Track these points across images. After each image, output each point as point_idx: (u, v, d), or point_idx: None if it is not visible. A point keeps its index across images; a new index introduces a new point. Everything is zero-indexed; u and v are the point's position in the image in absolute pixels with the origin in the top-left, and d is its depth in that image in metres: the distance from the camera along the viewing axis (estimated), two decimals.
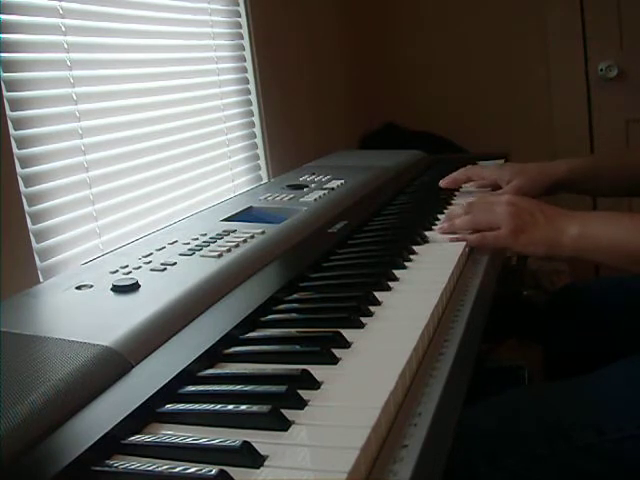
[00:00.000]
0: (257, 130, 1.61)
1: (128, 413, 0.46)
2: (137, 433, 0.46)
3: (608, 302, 1.09)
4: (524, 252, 0.87)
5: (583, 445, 0.70)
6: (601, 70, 2.09)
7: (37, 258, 0.92)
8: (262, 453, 0.41)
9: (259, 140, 1.62)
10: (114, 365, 0.52)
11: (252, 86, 1.59)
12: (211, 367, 0.56)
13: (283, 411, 0.45)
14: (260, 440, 0.42)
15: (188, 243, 0.82)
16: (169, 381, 0.50)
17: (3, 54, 0.89)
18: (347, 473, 0.38)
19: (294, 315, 0.67)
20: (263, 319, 0.65)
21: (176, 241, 0.83)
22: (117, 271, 0.72)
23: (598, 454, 0.69)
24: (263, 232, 0.86)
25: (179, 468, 0.40)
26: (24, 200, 0.91)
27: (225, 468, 0.39)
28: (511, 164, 1.16)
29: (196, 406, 0.48)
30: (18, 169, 0.90)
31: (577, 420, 0.72)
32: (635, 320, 1.01)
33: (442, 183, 1.18)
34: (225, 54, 1.50)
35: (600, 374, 0.79)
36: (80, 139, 1.02)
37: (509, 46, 2.17)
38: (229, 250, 0.78)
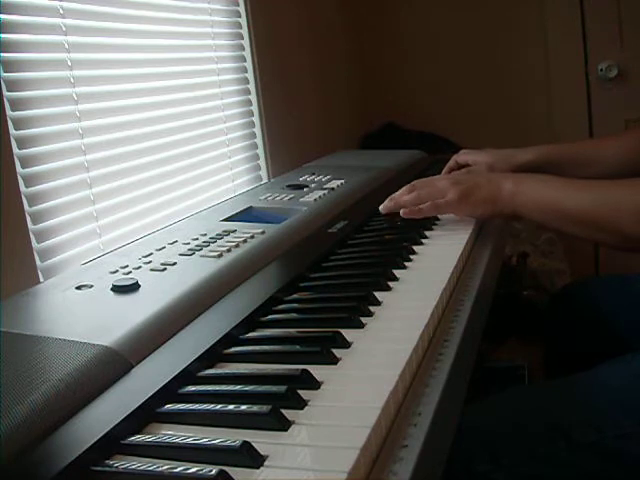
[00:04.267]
0: (257, 130, 1.61)
1: (128, 413, 0.46)
2: (137, 433, 0.46)
3: (608, 302, 1.09)
4: (474, 214, 0.92)
5: (583, 443, 0.70)
6: (601, 70, 2.09)
7: (37, 258, 0.92)
8: (262, 453, 0.41)
9: (259, 140, 1.62)
10: (114, 365, 0.52)
11: (252, 86, 1.59)
12: (211, 367, 0.56)
13: (283, 411, 0.45)
14: (260, 440, 0.42)
15: (188, 243, 0.82)
16: (169, 381, 0.50)
17: (3, 54, 0.89)
18: (347, 473, 0.38)
19: (294, 315, 0.66)
20: (263, 319, 0.65)
21: (176, 241, 0.83)
22: (117, 271, 0.72)
23: (598, 452, 0.70)
24: (263, 232, 0.86)
25: (179, 468, 0.40)
26: (24, 200, 0.91)
27: (225, 468, 0.39)
28: (489, 150, 1.23)
29: (196, 406, 0.48)
30: (18, 169, 0.90)
31: (577, 418, 0.72)
32: (635, 319, 1.01)
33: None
34: (225, 54, 1.50)
35: (599, 372, 0.80)
36: (80, 139, 1.02)
37: (509, 46, 2.17)
38: (229, 250, 0.78)
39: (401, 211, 0.94)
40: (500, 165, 1.15)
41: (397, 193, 0.97)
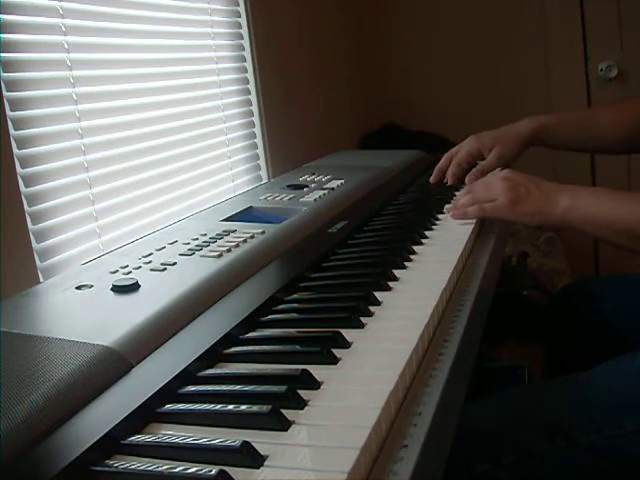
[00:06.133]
0: (257, 130, 1.61)
1: (128, 413, 0.46)
2: (137, 433, 0.45)
3: (608, 302, 1.09)
4: (519, 221, 0.92)
5: (583, 443, 0.70)
6: (601, 70, 2.09)
7: (37, 258, 0.92)
8: (262, 453, 0.41)
9: (259, 140, 1.62)
10: (114, 365, 0.52)
11: (252, 86, 1.60)
12: (211, 367, 0.56)
13: (283, 411, 0.45)
14: (260, 440, 0.42)
15: (188, 243, 0.82)
16: (169, 381, 0.50)
17: (3, 54, 0.89)
18: (347, 473, 0.38)
19: (294, 315, 0.66)
20: (263, 319, 0.65)
21: (176, 241, 0.83)
22: (117, 271, 0.72)
23: (598, 451, 0.70)
24: (263, 232, 0.86)
25: (179, 468, 0.40)
26: (24, 200, 0.91)
27: (225, 468, 0.39)
28: (486, 133, 1.23)
29: (196, 406, 0.48)
30: (18, 169, 0.90)
31: (577, 418, 0.72)
32: (635, 319, 1.01)
33: (432, 179, 1.25)
34: (225, 54, 1.50)
35: (599, 372, 0.80)
36: (80, 139, 1.02)
37: (509, 46, 2.17)
38: (229, 250, 0.78)
39: (449, 213, 0.97)
40: (510, 151, 1.16)
41: (459, 194, 1.01)
